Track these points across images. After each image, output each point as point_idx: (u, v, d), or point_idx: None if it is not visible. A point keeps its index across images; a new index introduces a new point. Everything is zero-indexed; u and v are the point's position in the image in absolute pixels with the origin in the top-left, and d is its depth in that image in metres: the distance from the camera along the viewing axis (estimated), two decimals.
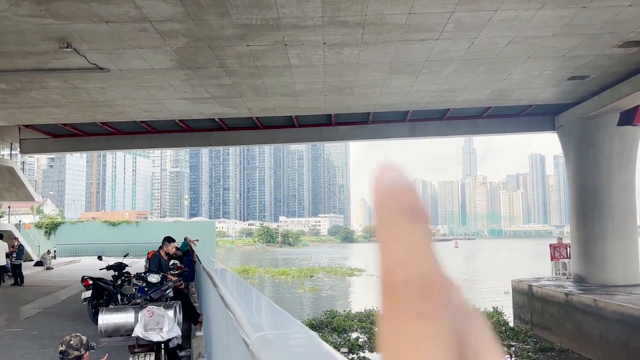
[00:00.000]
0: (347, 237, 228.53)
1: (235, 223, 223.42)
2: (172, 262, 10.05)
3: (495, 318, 20.53)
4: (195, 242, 17.77)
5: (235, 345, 2.73)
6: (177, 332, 5.27)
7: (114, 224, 41.22)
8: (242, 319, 1.36)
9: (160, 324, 5.04)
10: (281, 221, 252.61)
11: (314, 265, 63.56)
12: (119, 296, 9.55)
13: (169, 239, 10.37)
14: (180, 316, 5.57)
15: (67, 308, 13.38)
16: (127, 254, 12.40)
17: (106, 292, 10.45)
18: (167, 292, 7.87)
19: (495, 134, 21.48)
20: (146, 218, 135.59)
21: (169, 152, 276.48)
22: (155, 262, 9.42)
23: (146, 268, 13.28)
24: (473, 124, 20.37)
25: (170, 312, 5.28)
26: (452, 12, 10.04)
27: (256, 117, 19.02)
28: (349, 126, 20.55)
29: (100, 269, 10.92)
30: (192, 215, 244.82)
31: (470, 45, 11.84)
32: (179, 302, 5.83)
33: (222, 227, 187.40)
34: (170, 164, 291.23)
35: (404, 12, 9.96)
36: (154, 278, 7.95)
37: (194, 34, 10.67)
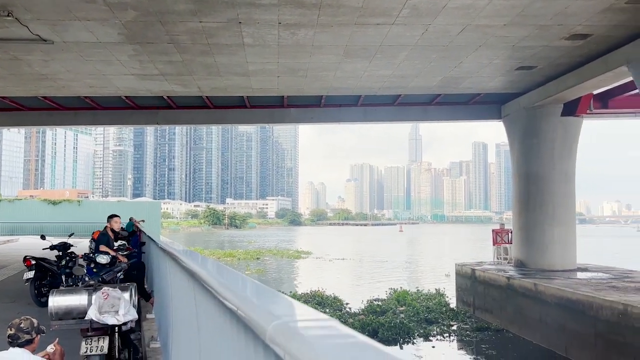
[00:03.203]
0: (295, 220, 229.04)
1: (181, 204, 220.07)
2: (119, 242, 9.79)
3: (437, 299, 21.21)
4: (141, 222, 17.35)
5: (205, 330, 2.65)
6: (133, 315, 5.13)
7: (54, 203, 39.64)
8: (249, 306, 1.27)
9: (116, 306, 4.89)
10: (228, 203, 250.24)
11: (261, 248, 63.51)
12: (63, 277, 9.24)
13: (112, 216, 10.29)
14: (136, 299, 5.42)
15: (7, 289, 12.83)
16: (72, 233, 11.91)
17: (50, 272, 10.08)
18: (119, 274, 7.65)
19: (444, 121, 21.83)
20: (87, 197, 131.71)
21: (112, 130, 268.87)
22: (104, 241, 9.13)
23: (91, 249, 12.90)
24: (423, 111, 20.62)
25: (127, 295, 5.12)
26: None
27: (206, 97, 18.65)
28: (301, 109, 20.44)
29: (43, 249, 10.47)
30: (135, 195, 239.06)
31: (424, 31, 11.94)
32: (135, 284, 5.67)
33: (167, 208, 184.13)
34: (114, 142, 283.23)
35: None
36: (102, 259, 7.72)
37: (144, 7, 10.33)
